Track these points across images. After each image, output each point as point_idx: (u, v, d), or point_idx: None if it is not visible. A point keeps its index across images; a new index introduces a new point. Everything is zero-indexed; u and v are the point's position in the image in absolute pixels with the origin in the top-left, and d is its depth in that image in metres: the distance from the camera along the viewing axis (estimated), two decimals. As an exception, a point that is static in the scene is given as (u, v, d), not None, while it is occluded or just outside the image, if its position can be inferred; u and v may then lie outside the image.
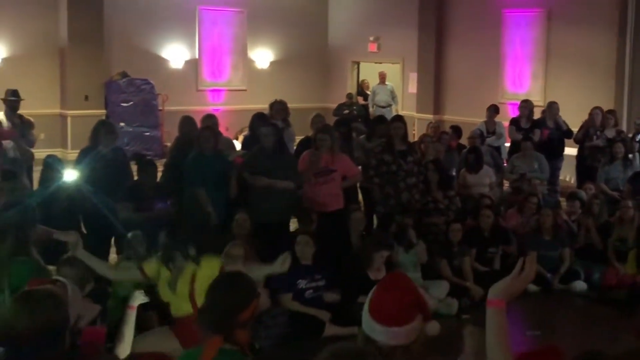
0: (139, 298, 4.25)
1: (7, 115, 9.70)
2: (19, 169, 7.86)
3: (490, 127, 12.05)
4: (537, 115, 11.94)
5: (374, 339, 2.78)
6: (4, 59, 15.66)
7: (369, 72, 19.67)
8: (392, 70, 18.54)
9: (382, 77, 18.13)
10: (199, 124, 9.25)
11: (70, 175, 7.52)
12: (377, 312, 2.78)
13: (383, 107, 17.72)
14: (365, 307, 2.84)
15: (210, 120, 9.37)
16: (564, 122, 11.54)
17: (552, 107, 11.60)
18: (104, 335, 4.10)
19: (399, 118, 9.64)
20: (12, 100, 10.07)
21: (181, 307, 5.29)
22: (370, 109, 18.10)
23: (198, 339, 3.34)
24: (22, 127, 9.69)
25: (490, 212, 8.85)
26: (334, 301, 7.38)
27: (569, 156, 11.90)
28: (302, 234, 7.37)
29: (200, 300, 5.17)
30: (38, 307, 2.88)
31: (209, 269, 5.15)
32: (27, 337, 2.82)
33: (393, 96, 17.96)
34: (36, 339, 2.83)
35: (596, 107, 11.57)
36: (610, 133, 11.15)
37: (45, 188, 7.34)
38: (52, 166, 7.75)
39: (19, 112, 10.02)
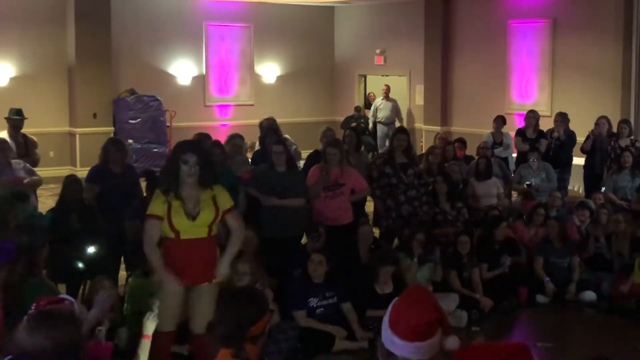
0: (153, 327, 4.26)
1: (10, 134, 9.62)
2: (28, 190, 7.86)
3: (498, 138, 12.05)
4: (543, 125, 11.93)
5: (394, 354, 2.68)
6: (13, 78, 15.72)
7: (376, 85, 19.74)
8: (399, 83, 18.57)
9: (386, 92, 17.76)
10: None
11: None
12: (398, 326, 2.66)
13: (387, 124, 17.44)
14: (385, 320, 2.72)
15: (237, 139, 9.33)
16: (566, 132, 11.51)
17: (561, 117, 11.61)
18: (110, 351, 4.11)
19: (401, 130, 9.69)
20: (16, 119, 9.99)
21: (196, 230, 5.56)
22: (370, 125, 17.85)
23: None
24: (25, 146, 9.66)
25: (505, 224, 8.92)
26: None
27: (577, 166, 11.90)
28: (316, 253, 7.34)
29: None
30: (55, 327, 2.89)
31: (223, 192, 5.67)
32: (42, 356, 2.83)
33: (397, 112, 17.70)
34: (51, 358, 2.84)
35: (602, 117, 11.58)
36: (624, 142, 11.12)
37: (56, 210, 7.37)
38: (70, 187, 7.82)
39: (23, 131, 9.92)
